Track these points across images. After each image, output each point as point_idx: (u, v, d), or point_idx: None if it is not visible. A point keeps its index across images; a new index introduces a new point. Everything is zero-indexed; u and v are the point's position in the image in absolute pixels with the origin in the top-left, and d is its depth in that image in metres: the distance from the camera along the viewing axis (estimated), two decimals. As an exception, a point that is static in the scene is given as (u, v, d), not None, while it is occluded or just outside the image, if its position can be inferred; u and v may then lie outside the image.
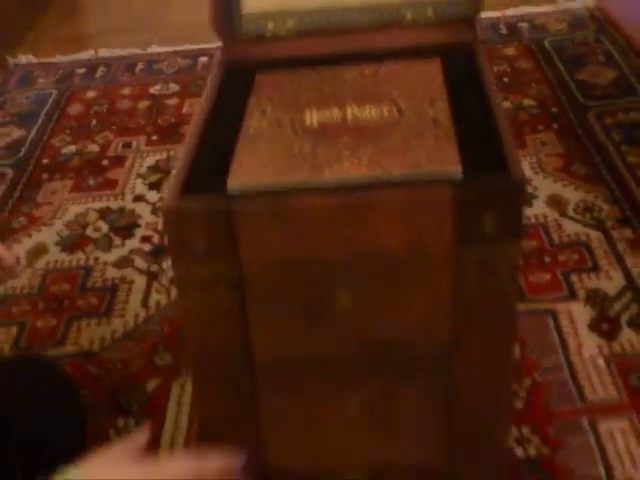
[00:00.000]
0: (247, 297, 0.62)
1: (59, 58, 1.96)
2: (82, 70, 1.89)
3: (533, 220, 1.26)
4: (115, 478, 0.59)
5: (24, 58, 1.97)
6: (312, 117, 0.69)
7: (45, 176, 1.50)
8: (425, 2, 0.81)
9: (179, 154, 0.66)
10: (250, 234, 0.60)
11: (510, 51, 1.78)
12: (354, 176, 0.61)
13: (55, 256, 1.29)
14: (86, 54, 1.98)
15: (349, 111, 0.70)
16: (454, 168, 0.60)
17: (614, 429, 0.92)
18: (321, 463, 0.73)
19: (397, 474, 0.73)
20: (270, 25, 0.82)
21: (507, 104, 1.57)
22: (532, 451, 0.90)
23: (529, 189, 1.33)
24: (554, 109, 1.55)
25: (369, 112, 0.69)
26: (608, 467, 0.88)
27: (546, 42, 1.81)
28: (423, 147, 0.64)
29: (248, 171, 0.63)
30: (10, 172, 1.52)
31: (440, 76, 0.73)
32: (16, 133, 1.65)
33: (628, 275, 1.13)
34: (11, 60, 1.95)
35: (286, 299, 0.63)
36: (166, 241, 0.64)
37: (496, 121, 0.66)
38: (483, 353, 0.65)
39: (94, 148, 1.56)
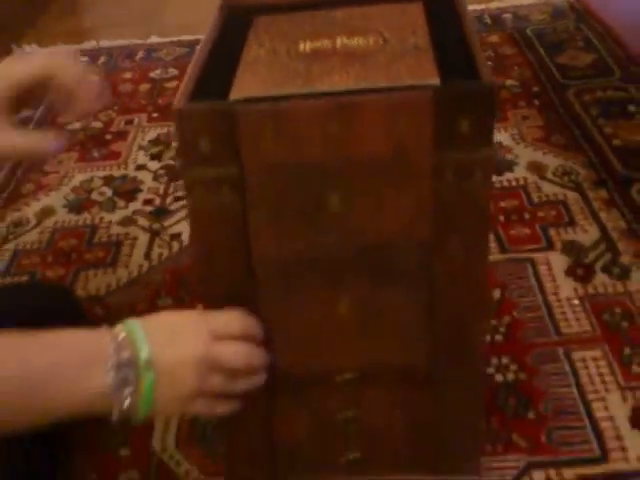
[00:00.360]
0: (248, 198, 0.69)
1: (62, 47, 2.03)
2: (84, 59, 1.96)
3: (514, 183, 1.34)
4: (170, 319, 0.70)
5: (28, 48, 2.04)
6: (305, 46, 0.77)
7: (51, 149, 1.56)
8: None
9: (186, 74, 0.73)
10: (250, 138, 0.67)
11: (494, 39, 1.87)
12: (343, 86, 0.68)
13: (62, 217, 1.35)
14: (88, 44, 2.06)
15: (339, 41, 0.77)
16: (433, 79, 0.67)
17: (587, 357, 0.98)
18: (315, 363, 0.79)
19: (384, 374, 0.80)
20: (268, -24, 0.89)
21: (491, 84, 1.64)
22: (510, 376, 0.97)
23: (510, 157, 1.40)
24: (535, 88, 1.63)
25: (357, 41, 0.77)
26: (580, 388, 0.94)
27: (528, 30, 1.89)
28: (405, 65, 0.71)
29: (248, 86, 0.70)
30: (17, 146, 1.59)
31: (422, 14, 0.81)
32: (23, 113, 1.71)
33: (603, 229, 1.20)
34: (16, 49, 2.03)
35: (282, 201, 0.70)
36: (176, 143, 0.71)
37: (470, 45, 0.73)
38: (461, 252, 0.72)
39: (97, 125, 1.63)
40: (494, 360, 0.99)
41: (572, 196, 1.29)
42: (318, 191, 0.70)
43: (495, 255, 1.17)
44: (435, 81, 0.67)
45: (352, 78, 0.69)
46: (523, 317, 1.05)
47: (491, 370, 0.98)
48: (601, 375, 0.96)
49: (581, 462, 0.86)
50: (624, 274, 1.11)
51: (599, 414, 0.91)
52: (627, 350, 0.99)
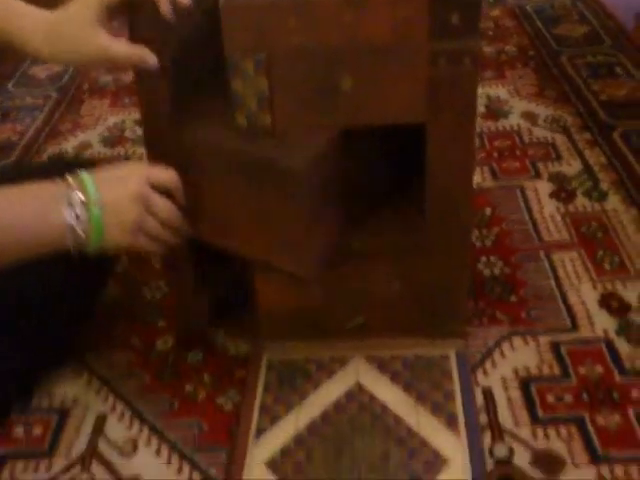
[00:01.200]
0: (273, 76, 0.83)
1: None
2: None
3: (508, 128, 1.48)
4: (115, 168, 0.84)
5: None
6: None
7: (86, 96, 1.72)
8: None
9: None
10: (274, 24, 0.81)
11: (495, 12, 2.01)
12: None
13: (98, 149, 1.50)
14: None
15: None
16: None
17: (565, 258, 1.13)
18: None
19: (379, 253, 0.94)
20: None
21: (490, 49, 1.79)
22: (497, 271, 1.11)
23: (506, 108, 1.55)
24: (531, 52, 1.77)
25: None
26: (558, 280, 1.08)
27: (528, 7, 2.04)
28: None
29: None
30: (54, 94, 1.74)
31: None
32: (57, 67, 1.87)
33: (586, 163, 1.35)
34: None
35: (302, 79, 0.84)
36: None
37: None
38: (452, 128, 0.86)
39: (128, 78, 1.78)
40: (483, 259, 1.13)
41: (560, 138, 1.43)
42: (331, 71, 0.84)
43: (488, 183, 1.32)
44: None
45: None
46: (511, 228, 1.20)
47: (480, 266, 1.12)
48: (576, 271, 1.10)
49: (554, 331, 1.00)
50: (602, 197, 1.25)
51: (572, 299, 1.05)
52: (600, 253, 1.13)
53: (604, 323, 1.00)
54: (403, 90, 0.84)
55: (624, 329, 0.99)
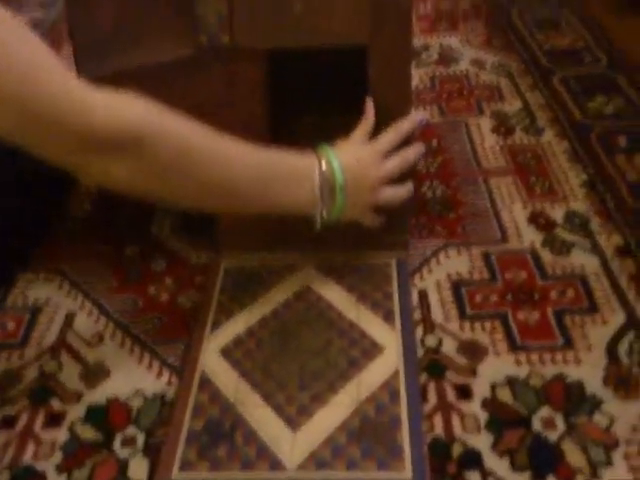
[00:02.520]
0: None
1: None
2: None
3: (457, 72, 1.58)
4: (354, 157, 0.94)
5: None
6: None
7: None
8: None
9: None
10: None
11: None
12: None
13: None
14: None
15: None
16: None
17: (500, 182, 1.23)
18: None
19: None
20: None
21: (445, 4, 1.89)
22: (438, 193, 1.21)
23: (456, 55, 1.65)
24: (483, 7, 1.87)
25: None
26: (492, 201, 1.19)
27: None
28: None
29: None
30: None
31: None
32: (38, 14, 1.93)
33: (526, 103, 1.45)
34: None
35: (258, 2, 0.93)
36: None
37: None
38: (392, 47, 0.95)
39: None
40: (427, 183, 1.23)
41: (504, 81, 1.53)
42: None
43: (436, 119, 1.41)
44: None
45: None
46: (453, 157, 1.29)
47: (424, 189, 1.22)
48: (510, 194, 1.20)
49: (486, 243, 1.10)
50: (538, 132, 1.35)
51: (505, 217, 1.15)
52: (532, 179, 1.23)
53: (531, 236, 1.11)
54: (348, 13, 0.93)
55: (548, 242, 1.09)
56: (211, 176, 0.83)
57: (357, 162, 0.93)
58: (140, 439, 0.86)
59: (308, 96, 1.11)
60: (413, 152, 0.98)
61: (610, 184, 1.20)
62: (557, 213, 1.15)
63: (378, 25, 0.93)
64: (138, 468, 0.83)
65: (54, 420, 0.89)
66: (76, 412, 0.90)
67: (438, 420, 0.86)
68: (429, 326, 0.98)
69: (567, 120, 1.38)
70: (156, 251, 1.12)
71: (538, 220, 1.14)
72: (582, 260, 1.06)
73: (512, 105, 1.44)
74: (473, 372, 0.91)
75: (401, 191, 0.98)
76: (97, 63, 0.95)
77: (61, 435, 0.87)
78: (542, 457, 0.81)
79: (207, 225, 1.10)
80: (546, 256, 1.07)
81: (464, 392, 0.89)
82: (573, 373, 0.90)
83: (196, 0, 0.93)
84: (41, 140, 0.71)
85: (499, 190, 1.21)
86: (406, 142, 0.98)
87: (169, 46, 0.96)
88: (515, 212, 1.16)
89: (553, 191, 1.20)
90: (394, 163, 0.96)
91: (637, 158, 1.26)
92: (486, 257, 1.08)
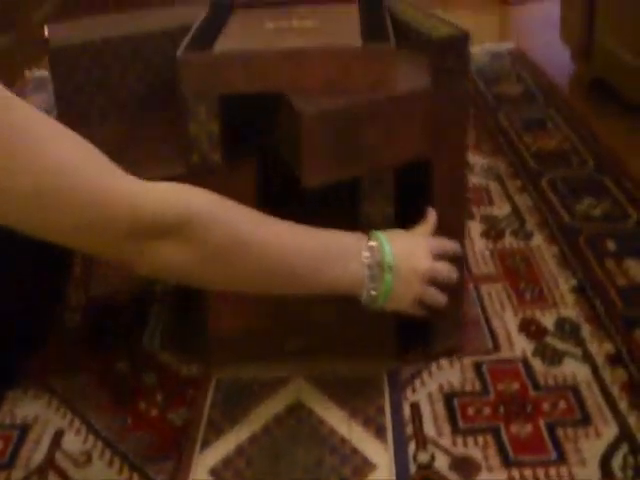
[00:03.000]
0: (223, 118, 0.95)
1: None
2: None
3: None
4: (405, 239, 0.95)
5: (38, 72, 2.32)
6: (269, 25, 1.04)
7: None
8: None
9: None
10: (224, 73, 0.93)
11: (441, 72, 2.16)
12: (293, 44, 0.95)
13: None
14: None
15: (295, 23, 1.04)
16: (357, 42, 0.94)
17: (491, 289, 1.23)
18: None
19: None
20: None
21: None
22: (429, 301, 1.21)
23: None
24: (472, 110, 1.91)
25: (308, 23, 1.04)
26: (483, 308, 1.19)
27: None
28: (340, 36, 0.98)
29: (226, 44, 0.97)
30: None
31: (356, 8, 1.08)
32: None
33: (515, 206, 1.47)
34: (28, 73, 2.30)
35: (248, 121, 0.95)
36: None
37: (385, 25, 0.99)
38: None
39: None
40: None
41: (493, 185, 1.56)
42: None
43: (425, 224, 1.43)
44: (358, 42, 0.94)
45: (301, 42, 0.96)
46: (443, 263, 1.30)
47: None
48: (500, 300, 1.21)
49: (478, 353, 1.10)
50: (527, 237, 1.37)
51: (496, 324, 1.15)
52: (523, 285, 1.24)
53: (522, 345, 1.11)
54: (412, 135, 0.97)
55: (540, 350, 1.09)
56: (263, 260, 0.83)
57: (409, 251, 0.93)
58: None
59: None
60: (456, 272, 0.98)
61: (600, 289, 1.21)
62: (548, 320, 1.15)
63: (440, 141, 0.97)
64: None
65: None
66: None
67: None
68: (421, 441, 0.97)
69: (556, 223, 1.40)
70: (147, 364, 1.11)
71: (529, 328, 1.14)
72: (573, 369, 1.06)
73: (501, 209, 1.46)
74: (466, 490, 0.90)
75: (443, 297, 0.97)
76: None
77: None
78: None
79: (198, 336, 1.10)
80: (537, 365, 1.07)
81: (457, 512, 0.88)
82: (568, 490, 0.89)
83: (189, 121, 0.95)
84: (93, 233, 0.72)
85: (490, 297, 1.22)
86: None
87: (163, 167, 0.98)
88: (506, 319, 1.16)
89: (543, 297, 1.20)
90: (444, 267, 0.96)
91: (626, 262, 1.27)
92: (478, 367, 1.08)
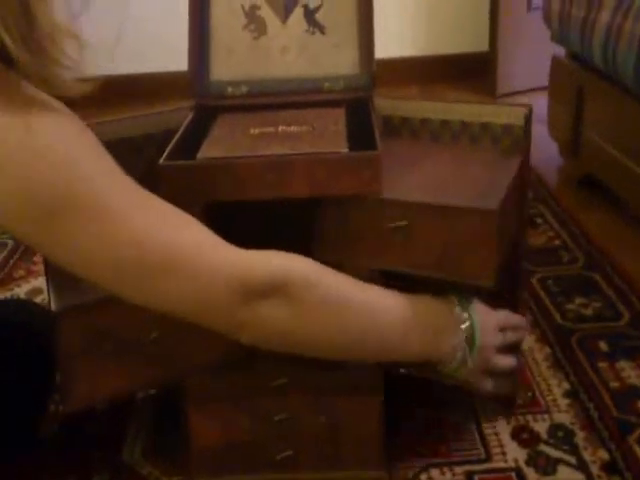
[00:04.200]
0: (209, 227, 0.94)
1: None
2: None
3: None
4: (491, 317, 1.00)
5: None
6: (254, 130, 1.04)
7: (42, 245, 1.81)
8: (338, 77, 1.17)
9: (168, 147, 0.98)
10: (208, 181, 0.92)
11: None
12: (279, 151, 0.95)
13: (49, 295, 1.57)
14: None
15: (280, 128, 1.05)
16: (343, 149, 0.95)
17: (482, 393, 1.20)
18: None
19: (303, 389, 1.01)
20: (229, 89, 1.18)
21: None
22: (420, 413, 1.18)
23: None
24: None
25: (293, 128, 1.04)
26: (475, 416, 1.16)
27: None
28: (325, 142, 0.98)
29: (210, 151, 0.97)
30: (10, 242, 1.83)
31: (343, 112, 1.09)
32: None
33: (505, 305, 1.45)
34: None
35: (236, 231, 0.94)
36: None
37: (372, 130, 1.00)
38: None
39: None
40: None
41: (483, 283, 1.54)
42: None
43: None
44: (344, 150, 0.95)
45: (286, 148, 0.96)
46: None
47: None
48: (492, 407, 1.17)
49: (469, 462, 1.06)
50: (518, 337, 1.34)
51: (488, 431, 1.12)
52: (515, 388, 1.21)
53: (515, 453, 1.07)
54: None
55: (533, 459, 1.06)
56: (361, 319, 0.88)
57: (487, 325, 0.98)
58: None
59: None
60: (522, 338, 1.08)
61: (593, 393, 1.19)
62: (541, 426, 1.12)
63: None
64: None
65: None
66: None
67: None
68: None
69: (547, 324, 1.38)
70: (127, 477, 1.07)
71: (521, 435, 1.11)
72: (568, 477, 1.03)
73: (492, 308, 1.44)
74: None
75: (511, 361, 1.03)
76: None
77: None
78: None
79: (180, 446, 1.06)
80: (531, 475, 1.04)
81: None
82: None
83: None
84: (204, 304, 0.80)
85: (481, 401, 1.18)
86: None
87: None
88: (498, 427, 1.13)
89: (536, 402, 1.18)
90: (511, 337, 1.03)
91: (619, 364, 1.25)
92: (469, 478, 1.04)
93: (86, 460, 1.11)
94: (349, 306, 0.87)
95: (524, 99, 2.82)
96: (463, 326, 0.95)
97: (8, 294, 1.60)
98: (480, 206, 0.92)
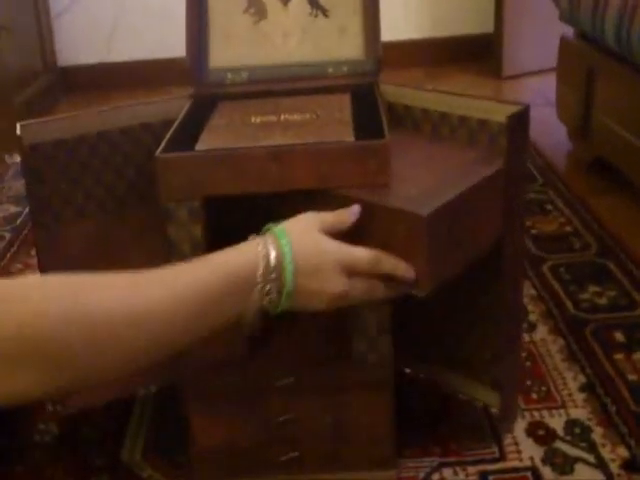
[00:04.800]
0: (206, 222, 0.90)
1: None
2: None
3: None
4: (310, 243, 0.82)
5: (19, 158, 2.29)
6: (256, 119, 1.00)
7: (40, 237, 1.77)
8: (342, 62, 1.13)
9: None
10: (206, 174, 0.88)
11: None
12: (281, 142, 0.90)
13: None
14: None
15: (282, 116, 1.00)
16: (349, 138, 0.90)
17: (495, 388, 1.16)
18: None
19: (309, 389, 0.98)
20: (229, 76, 1.13)
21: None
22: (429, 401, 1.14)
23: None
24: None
25: (296, 116, 1.00)
26: (486, 408, 1.12)
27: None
28: (330, 131, 0.94)
29: (209, 142, 0.92)
30: (8, 235, 1.79)
31: (348, 99, 1.04)
32: (13, 209, 1.94)
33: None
34: (8, 158, 2.28)
35: (234, 226, 0.90)
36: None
37: (380, 122, 0.95)
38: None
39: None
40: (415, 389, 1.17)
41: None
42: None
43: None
44: (350, 139, 0.90)
45: (289, 138, 0.92)
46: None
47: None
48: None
49: (483, 462, 1.02)
50: (531, 329, 1.31)
51: (500, 427, 1.08)
52: (528, 382, 1.17)
53: (530, 451, 1.03)
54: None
55: (549, 457, 1.02)
56: (139, 338, 0.72)
57: (316, 264, 0.81)
58: None
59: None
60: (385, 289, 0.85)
61: (610, 387, 1.14)
62: (557, 422, 1.08)
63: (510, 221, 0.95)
64: None
65: None
66: None
67: None
68: None
69: (560, 314, 1.34)
70: (127, 479, 1.04)
71: (537, 432, 1.07)
72: (587, 476, 0.99)
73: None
74: None
75: (378, 285, 0.84)
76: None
77: None
78: None
79: (182, 447, 1.02)
80: (547, 474, 1.00)
81: None
82: None
83: (167, 224, 0.90)
84: None
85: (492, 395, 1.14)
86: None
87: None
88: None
89: (551, 397, 1.14)
90: (362, 286, 0.83)
91: (635, 356, 1.21)
92: (483, 478, 1.00)
93: (84, 461, 1.07)
94: (114, 328, 0.70)
95: (531, 81, 2.77)
96: (264, 270, 0.78)
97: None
98: (409, 209, 0.82)
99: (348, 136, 0.91)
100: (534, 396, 1.14)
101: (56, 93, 2.88)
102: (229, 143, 0.92)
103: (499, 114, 0.95)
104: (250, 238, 0.82)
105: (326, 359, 0.99)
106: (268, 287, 0.79)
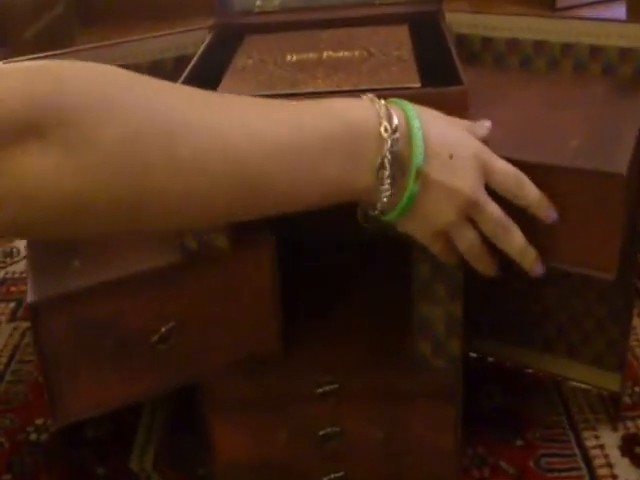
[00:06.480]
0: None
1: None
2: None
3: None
4: (441, 123, 0.62)
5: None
6: (292, 57, 0.78)
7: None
8: (394, -15, 0.90)
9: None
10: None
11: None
12: (326, 88, 0.69)
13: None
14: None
15: (325, 54, 0.79)
16: (414, 83, 0.69)
17: (576, 389, 0.96)
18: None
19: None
20: (258, 2, 0.91)
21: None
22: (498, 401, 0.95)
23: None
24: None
25: (342, 54, 0.78)
26: (570, 417, 0.92)
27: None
28: (388, 73, 0.72)
29: (233, 86, 0.71)
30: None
31: (406, 32, 0.82)
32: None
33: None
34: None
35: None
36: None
37: (452, 61, 0.73)
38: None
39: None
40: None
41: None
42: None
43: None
44: (416, 84, 0.68)
45: (335, 83, 0.70)
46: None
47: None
48: (591, 406, 0.94)
49: (569, 486, 0.83)
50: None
51: (588, 441, 0.88)
52: (618, 381, 0.96)
53: (627, 475, 0.84)
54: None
55: (652, 485, 0.83)
56: (202, 155, 0.53)
57: (451, 152, 0.61)
58: None
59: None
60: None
61: None
62: (658, 435, 0.88)
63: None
64: None
65: None
66: None
67: None
68: None
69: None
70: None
71: (634, 449, 0.87)
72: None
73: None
74: None
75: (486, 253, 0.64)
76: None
77: None
78: None
79: (198, 458, 0.85)
80: (652, 508, 0.80)
81: None
82: None
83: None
84: None
85: (575, 400, 0.95)
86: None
87: (152, 255, 0.74)
88: (602, 435, 0.89)
89: (648, 400, 0.93)
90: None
91: None
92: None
93: (87, 471, 0.90)
94: (184, 138, 0.53)
95: (589, 13, 2.51)
96: (385, 126, 0.58)
97: (7, 247, 1.39)
98: (600, 168, 0.64)
99: (413, 81, 0.69)
100: (628, 401, 0.94)
101: (67, 27, 2.67)
102: (258, 89, 0.71)
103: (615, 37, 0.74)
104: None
105: (378, 362, 0.80)
106: (390, 154, 0.58)
